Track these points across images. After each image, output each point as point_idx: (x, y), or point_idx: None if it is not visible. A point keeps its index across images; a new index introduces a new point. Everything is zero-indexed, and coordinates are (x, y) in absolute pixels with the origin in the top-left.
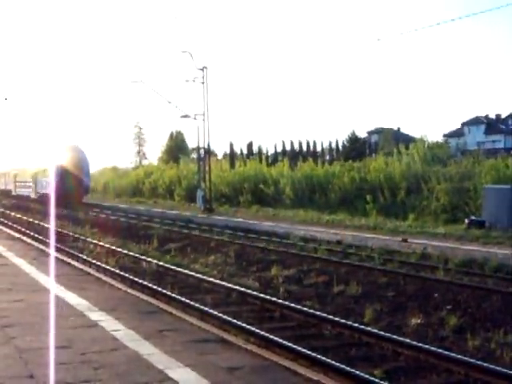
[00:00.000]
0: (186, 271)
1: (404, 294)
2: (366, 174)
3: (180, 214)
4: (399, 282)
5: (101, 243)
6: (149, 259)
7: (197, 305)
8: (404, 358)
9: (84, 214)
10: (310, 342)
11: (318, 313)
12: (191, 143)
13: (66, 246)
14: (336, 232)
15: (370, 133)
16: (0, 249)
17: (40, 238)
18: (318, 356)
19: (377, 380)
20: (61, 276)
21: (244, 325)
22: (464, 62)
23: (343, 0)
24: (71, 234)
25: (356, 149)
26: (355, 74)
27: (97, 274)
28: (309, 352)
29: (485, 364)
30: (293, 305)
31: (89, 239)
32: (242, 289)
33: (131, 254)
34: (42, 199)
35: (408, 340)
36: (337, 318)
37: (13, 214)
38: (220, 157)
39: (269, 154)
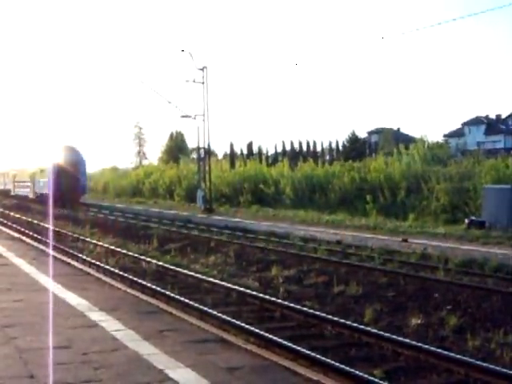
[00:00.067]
0: (185, 271)
1: (404, 294)
2: (366, 174)
3: (180, 214)
4: (399, 282)
5: (100, 243)
6: (149, 259)
7: (196, 305)
8: (404, 358)
9: (84, 215)
10: (309, 342)
11: (317, 313)
12: (191, 143)
13: (66, 246)
14: (336, 232)
15: (370, 133)
16: (0, 249)
17: (40, 238)
18: (318, 356)
19: (377, 380)
20: (61, 276)
21: (244, 325)
22: (464, 62)
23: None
24: (71, 234)
25: (356, 149)
26: (356, 73)
27: (97, 274)
28: (309, 352)
29: (485, 364)
30: (293, 305)
31: (88, 239)
32: (242, 289)
33: (131, 254)
34: (40, 199)
35: (408, 340)
36: (337, 318)
37: (12, 214)
38: (220, 157)
39: (269, 154)
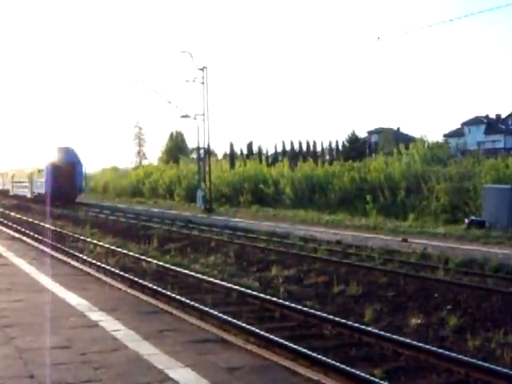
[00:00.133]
0: (186, 271)
1: (404, 294)
2: (366, 174)
3: (180, 214)
4: (399, 281)
5: (101, 243)
6: (149, 259)
7: (197, 305)
8: (404, 358)
9: (84, 214)
10: (310, 342)
11: (318, 313)
12: (191, 143)
13: (66, 246)
14: (336, 232)
15: (370, 133)
16: (0, 248)
17: (40, 237)
18: (319, 356)
19: (377, 380)
20: (61, 276)
21: (244, 325)
22: (464, 62)
23: (343, 0)
24: (71, 234)
25: (356, 149)
26: (355, 73)
27: (97, 274)
28: (309, 352)
29: (485, 364)
30: (293, 305)
31: (89, 239)
32: (242, 289)
33: (131, 254)
34: (38, 198)
35: (408, 340)
36: (337, 318)
37: (12, 214)
38: (220, 157)
39: (269, 154)
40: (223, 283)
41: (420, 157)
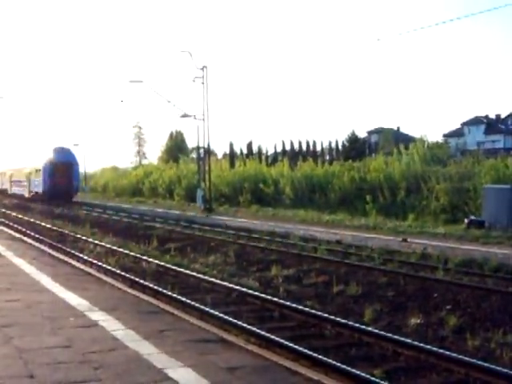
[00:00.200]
0: (186, 271)
1: (404, 294)
2: (366, 174)
3: (180, 214)
4: (399, 281)
5: (101, 243)
6: (149, 259)
7: (197, 305)
8: (404, 358)
9: (82, 214)
10: (310, 342)
11: (318, 313)
12: (191, 143)
13: (66, 246)
14: (336, 232)
15: (370, 133)
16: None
17: (40, 237)
18: (319, 356)
19: (377, 380)
20: (61, 276)
21: (244, 325)
22: (463, 62)
23: (343, 0)
24: (71, 234)
25: (356, 149)
26: (355, 73)
27: (97, 274)
28: (309, 352)
29: (485, 364)
30: (293, 305)
31: (90, 239)
32: (243, 289)
33: (131, 253)
34: (35, 197)
35: (408, 340)
36: (337, 318)
37: (12, 214)
38: (220, 157)
39: (269, 153)
40: (223, 283)
41: (420, 157)
